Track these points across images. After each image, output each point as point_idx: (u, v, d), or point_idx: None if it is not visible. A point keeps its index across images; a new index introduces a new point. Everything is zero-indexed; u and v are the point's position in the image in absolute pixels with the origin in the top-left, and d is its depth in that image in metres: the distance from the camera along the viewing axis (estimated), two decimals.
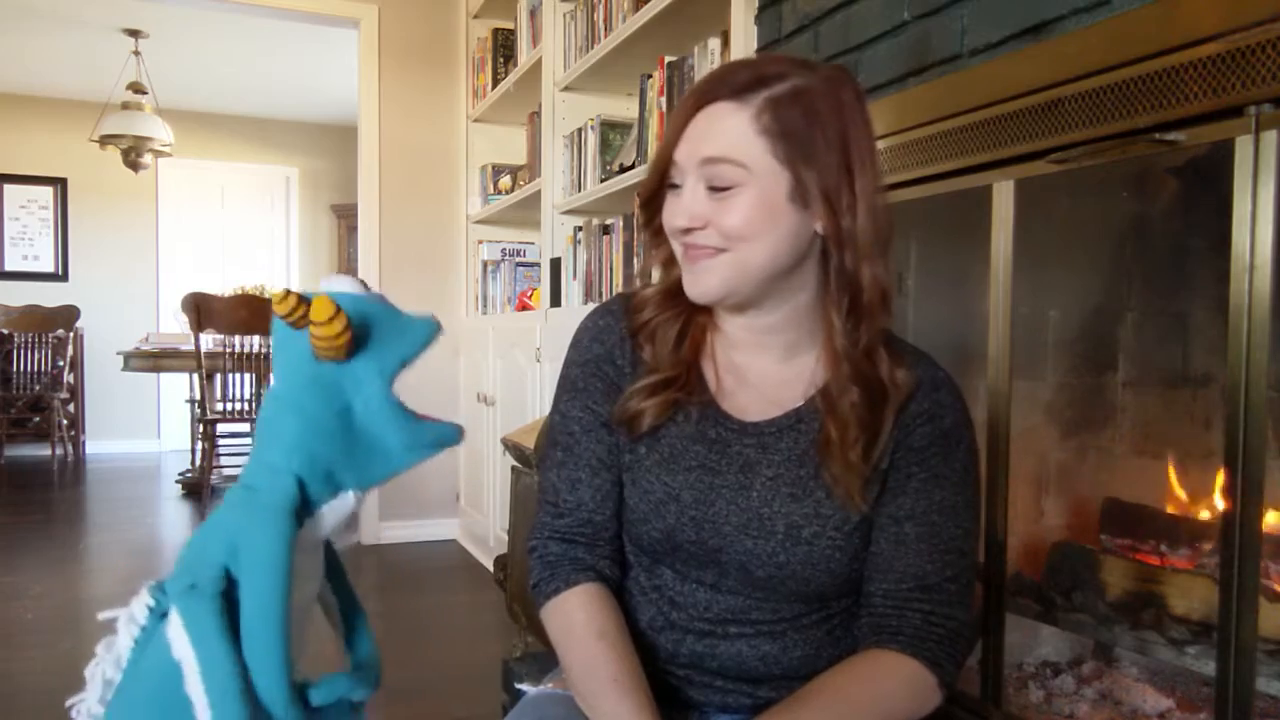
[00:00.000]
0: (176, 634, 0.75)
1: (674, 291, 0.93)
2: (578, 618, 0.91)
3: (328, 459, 0.81)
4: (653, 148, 2.34)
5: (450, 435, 0.86)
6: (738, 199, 0.84)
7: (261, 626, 0.75)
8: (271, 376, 0.86)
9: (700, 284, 0.87)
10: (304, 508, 0.82)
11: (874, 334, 0.87)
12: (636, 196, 0.94)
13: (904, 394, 0.88)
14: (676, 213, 0.87)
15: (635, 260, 2.48)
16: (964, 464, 0.91)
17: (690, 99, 0.87)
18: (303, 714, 0.77)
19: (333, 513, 0.83)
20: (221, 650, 0.73)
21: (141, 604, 0.79)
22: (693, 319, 0.95)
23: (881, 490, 0.90)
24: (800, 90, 0.83)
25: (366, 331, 0.80)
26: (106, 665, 0.80)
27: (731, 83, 0.84)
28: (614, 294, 2.56)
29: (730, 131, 0.83)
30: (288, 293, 0.76)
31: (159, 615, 0.78)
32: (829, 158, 0.83)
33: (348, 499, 0.84)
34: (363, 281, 0.85)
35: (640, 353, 0.95)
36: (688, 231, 0.86)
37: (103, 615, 0.82)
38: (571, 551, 0.95)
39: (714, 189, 0.84)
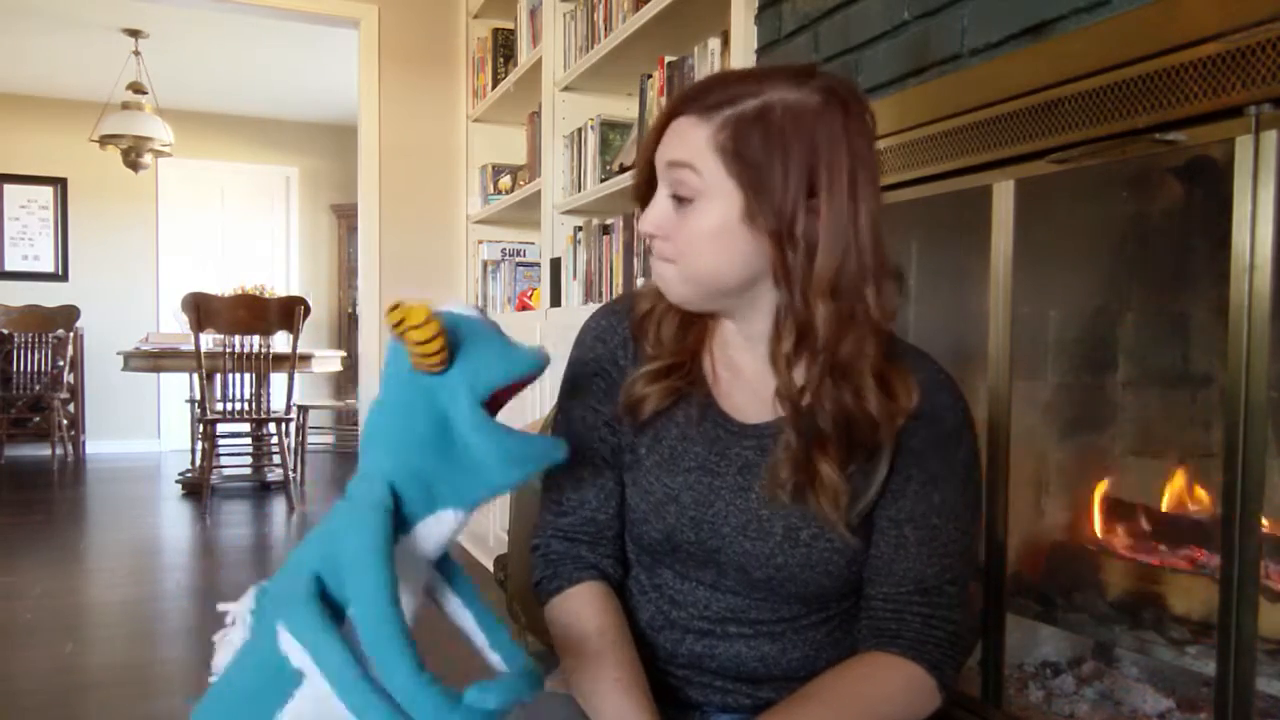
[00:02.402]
0: (291, 648, 0.73)
1: None
2: (580, 616, 0.91)
3: (424, 470, 0.79)
4: None
5: (547, 450, 0.81)
6: (694, 216, 0.83)
7: (376, 624, 0.71)
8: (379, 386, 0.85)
9: (662, 287, 0.89)
10: (399, 520, 0.78)
11: (830, 370, 0.83)
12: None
13: (900, 420, 0.86)
14: (644, 218, 0.88)
15: (635, 260, 2.48)
16: (964, 466, 0.91)
17: (666, 107, 0.87)
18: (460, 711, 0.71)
19: (431, 531, 0.80)
20: (337, 650, 0.70)
21: (245, 606, 0.78)
22: (693, 316, 0.95)
23: (881, 494, 0.89)
24: (768, 109, 0.80)
25: (461, 346, 0.78)
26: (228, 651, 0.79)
27: (702, 100, 0.83)
28: (617, 294, 2.56)
29: (690, 144, 0.83)
30: (398, 304, 0.76)
31: (260, 618, 0.77)
32: (786, 185, 0.79)
33: (446, 518, 0.80)
34: (480, 309, 0.83)
35: (643, 343, 0.95)
36: (652, 237, 0.87)
37: (222, 606, 0.80)
38: (574, 550, 0.95)
39: (678, 199, 0.84)
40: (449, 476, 0.79)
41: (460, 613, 0.87)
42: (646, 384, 0.92)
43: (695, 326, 0.94)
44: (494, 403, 0.81)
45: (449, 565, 0.87)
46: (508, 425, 0.80)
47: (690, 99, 0.84)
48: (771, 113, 0.80)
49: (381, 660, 0.70)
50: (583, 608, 0.91)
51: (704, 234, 0.83)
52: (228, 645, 0.78)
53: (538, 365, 0.79)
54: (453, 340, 0.77)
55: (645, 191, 0.90)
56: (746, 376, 0.93)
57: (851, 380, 0.83)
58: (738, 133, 0.80)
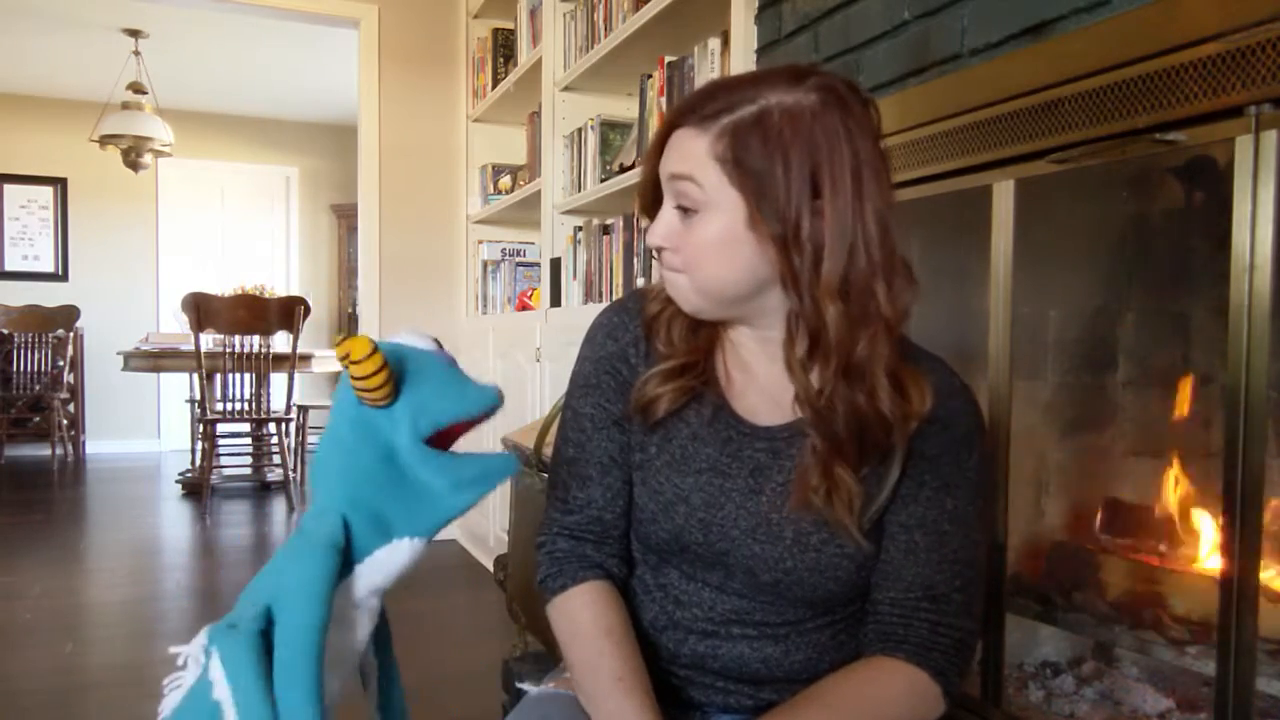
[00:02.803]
0: (216, 675, 0.74)
1: None
2: (584, 615, 0.91)
3: (373, 501, 0.80)
4: None
5: (498, 468, 0.82)
6: (699, 226, 0.83)
7: (292, 657, 0.73)
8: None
9: (674, 296, 0.89)
10: (351, 551, 0.80)
11: (841, 372, 0.82)
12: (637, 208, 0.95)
13: (913, 423, 0.86)
14: (652, 230, 0.88)
15: (635, 260, 2.48)
16: (976, 473, 0.90)
17: (666, 119, 0.87)
18: None
19: (386, 561, 0.81)
20: (256, 690, 0.71)
21: (199, 644, 0.78)
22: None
23: (892, 498, 0.89)
24: (766, 113, 0.80)
25: (408, 380, 0.79)
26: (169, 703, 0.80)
27: (700, 110, 0.83)
28: (617, 294, 2.56)
29: (690, 155, 0.83)
30: (344, 337, 0.76)
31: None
32: (788, 189, 0.79)
33: (401, 547, 0.81)
34: (435, 340, 0.84)
35: (654, 342, 0.94)
36: (660, 249, 0.88)
37: (174, 649, 0.80)
38: (579, 549, 0.95)
39: (683, 210, 0.85)
40: (400, 506, 0.80)
41: (368, 657, 0.89)
42: (660, 384, 0.91)
43: (705, 327, 0.94)
44: (447, 436, 0.81)
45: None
46: (453, 452, 0.81)
47: (688, 110, 0.84)
48: (769, 117, 0.80)
49: (285, 692, 0.72)
50: (586, 607, 0.91)
51: (710, 244, 0.83)
52: (178, 690, 0.78)
53: (488, 405, 0.80)
54: (399, 373, 0.78)
55: (651, 203, 0.90)
56: (760, 379, 0.93)
57: (865, 380, 0.83)
58: (736, 140, 0.80)
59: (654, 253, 0.89)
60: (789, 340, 0.86)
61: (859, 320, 0.81)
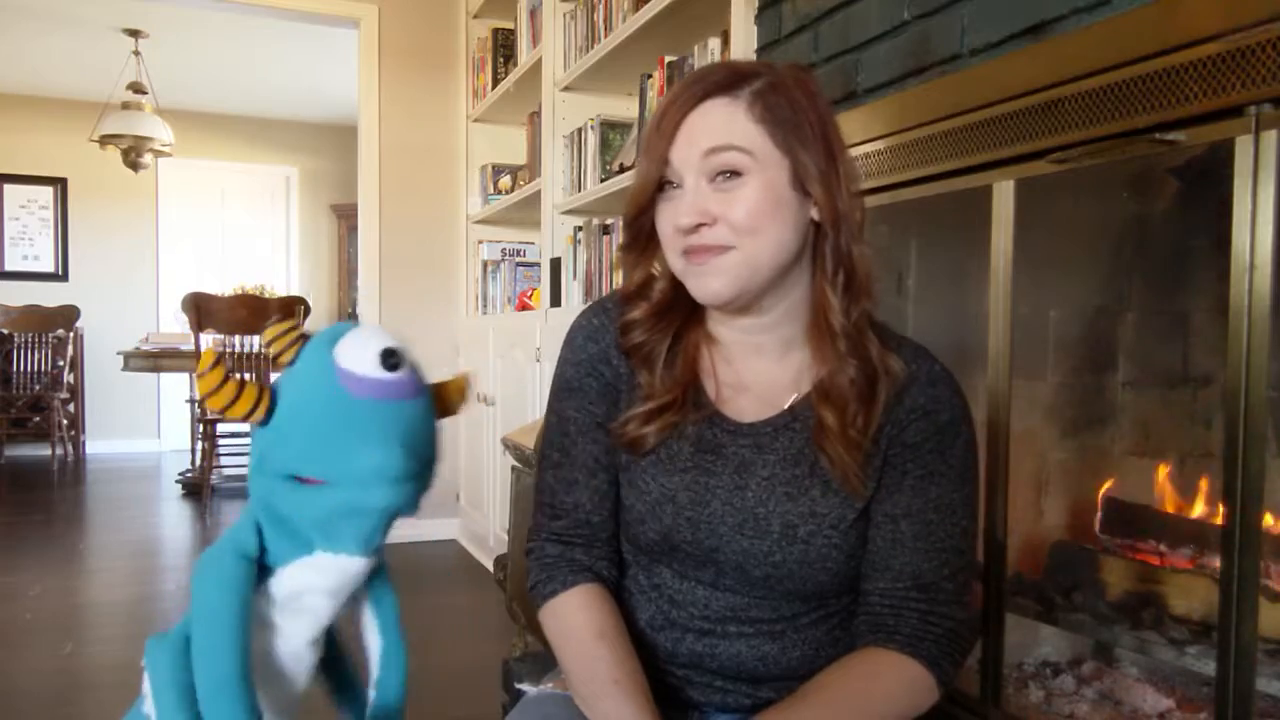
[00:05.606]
0: (146, 687, 0.73)
1: (661, 310, 0.93)
2: (576, 619, 0.91)
3: (279, 509, 0.77)
4: None
5: (366, 504, 0.75)
6: (744, 189, 0.83)
7: (208, 674, 0.70)
8: None
9: (709, 286, 0.85)
10: (268, 556, 0.77)
11: (864, 315, 0.88)
12: (624, 216, 0.92)
13: (894, 381, 0.88)
14: (681, 211, 0.84)
15: None
16: (961, 460, 0.90)
17: (679, 102, 0.85)
18: None
19: (304, 572, 0.77)
20: (171, 700, 0.69)
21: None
22: (684, 335, 0.94)
23: (878, 487, 0.89)
24: (777, 83, 0.85)
25: (278, 409, 0.74)
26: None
27: (715, 81, 0.85)
28: (607, 293, 2.56)
29: (729, 122, 0.84)
30: (281, 319, 0.75)
31: None
32: (816, 143, 0.85)
33: (319, 562, 0.77)
34: (388, 351, 0.75)
35: (636, 375, 0.94)
36: (695, 230, 0.84)
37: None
38: (569, 553, 0.95)
39: (721, 178, 0.83)
40: (312, 521, 0.76)
41: (370, 634, 0.87)
42: (642, 424, 0.92)
43: (685, 354, 0.94)
44: None
45: (382, 592, 0.87)
46: (319, 485, 0.73)
47: (702, 82, 0.85)
48: (783, 83, 0.85)
49: (205, 708, 0.68)
50: (579, 610, 0.91)
51: (763, 205, 0.83)
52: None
53: (351, 479, 0.72)
54: (277, 398, 0.74)
55: (650, 201, 0.88)
56: (748, 381, 0.93)
57: (863, 326, 0.89)
58: (768, 104, 0.84)
59: (681, 243, 0.86)
60: (823, 279, 0.88)
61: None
